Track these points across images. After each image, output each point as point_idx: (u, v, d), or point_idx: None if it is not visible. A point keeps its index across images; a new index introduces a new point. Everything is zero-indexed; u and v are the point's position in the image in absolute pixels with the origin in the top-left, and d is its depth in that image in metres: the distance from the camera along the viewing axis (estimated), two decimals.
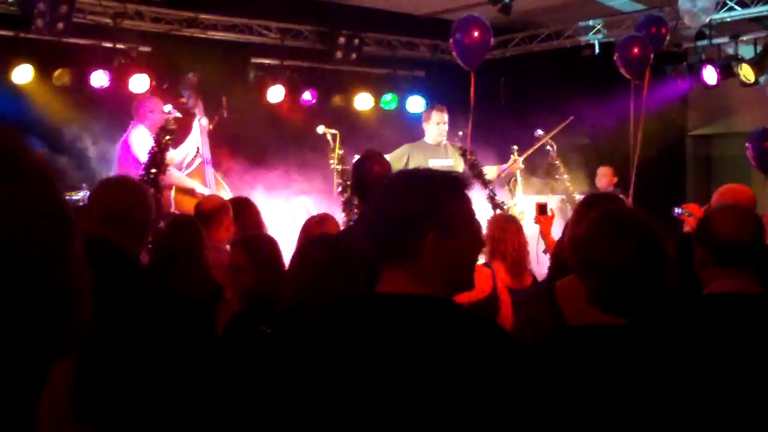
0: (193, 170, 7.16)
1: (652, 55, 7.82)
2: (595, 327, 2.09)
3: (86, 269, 0.69)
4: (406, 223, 1.70)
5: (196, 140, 7.21)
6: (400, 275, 1.71)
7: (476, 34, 7.45)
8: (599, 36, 9.15)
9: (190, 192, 6.81)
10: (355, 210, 6.08)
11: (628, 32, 8.52)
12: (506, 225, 4.72)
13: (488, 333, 1.71)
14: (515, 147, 7.55)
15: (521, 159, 7.56)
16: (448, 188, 1.75)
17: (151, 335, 2.63)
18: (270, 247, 3.38)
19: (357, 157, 4.33)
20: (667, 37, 8.14)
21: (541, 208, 5.35)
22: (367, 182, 3.92)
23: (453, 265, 1.72)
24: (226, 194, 7.10)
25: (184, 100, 7.14)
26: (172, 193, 6.84)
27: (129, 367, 2.51)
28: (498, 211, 6.95)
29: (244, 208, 4.89)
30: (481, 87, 6.84)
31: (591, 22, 9.18)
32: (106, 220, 2.78)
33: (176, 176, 6.86)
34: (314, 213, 5.05)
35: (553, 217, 5.37)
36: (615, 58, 7.85)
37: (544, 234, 5.22)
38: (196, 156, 7.21)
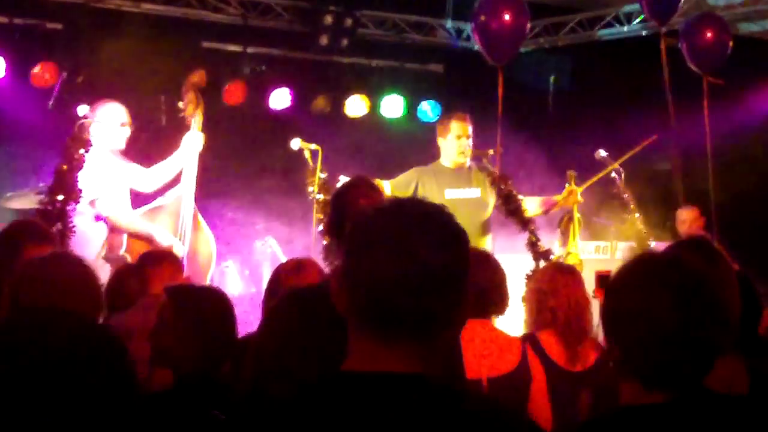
0: (166, 205, 7.19)
1: (730, 42, 7.88)
2: (631, 409, 2.17)
3: None
4: (452, 288, 1.75)
5: (182, 162, 7.24)
6: (402, 351, 1.75)
7: (507, 17, 7.38)
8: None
9: (146, 239, 6.88)
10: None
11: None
12: (559, 275, 4.72)
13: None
14: (572, 173, 7.35)
15: (580, 190, 7.31)
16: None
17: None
18: (211, 302, 3.42)
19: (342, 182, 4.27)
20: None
21: (603, 280, 5.42)
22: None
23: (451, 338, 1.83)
24: (208, 242, 7.25)
25: (181, 104, 7.21)
26: (124, 236, 6.94)
27: None
28: (542, 263, 6.89)
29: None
30: (521, 89, 6.80)
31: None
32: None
33: (126, 220, 6.90)
34: (283, 259, 5.11)
35: None
36: (680, 45, 7.90)
37: None
38: (174, 183, 7.25)
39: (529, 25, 7.80)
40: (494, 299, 4.20)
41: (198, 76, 7.24)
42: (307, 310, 2.74)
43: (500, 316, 4.34)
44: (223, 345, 3.27)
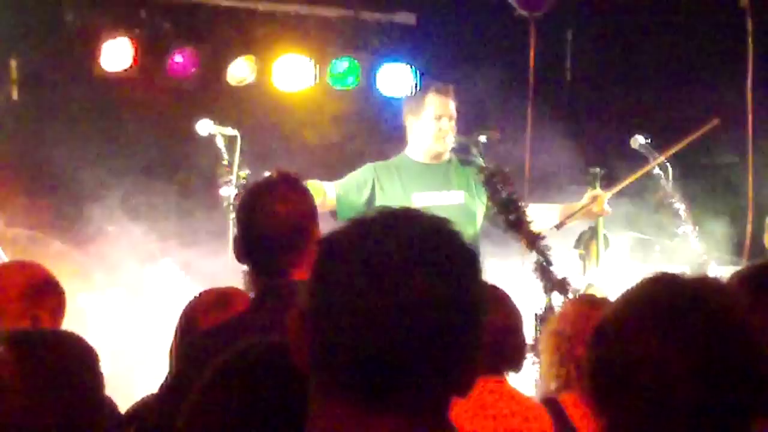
0: None
1: None
2: None
3: None
4: (463, 334, 1.87)
5: None
6: (394, 421, 1.83)
7: None
8: None
9: None
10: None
11: None
12: (586, 314, 4.80)
13: None
14: (596, 170, 7.45)
15: (608, 195, 7.42)
16: None
17: None
18: (72, 355, 3.36)
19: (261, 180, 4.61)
20: None
21: None
22: (261, 238, 4.03)
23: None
24: None
25: None
26: None
27: None
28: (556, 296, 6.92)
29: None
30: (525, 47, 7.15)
31: None
32: None
33: None
34: (191, 292, 5.06)
35: None
36: None
37: None
38: None
39: None
40: (508, 350, 4.46)
41: None
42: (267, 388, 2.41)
43: (515, 374, 4.61)
44: (92, 415, 3.25)
